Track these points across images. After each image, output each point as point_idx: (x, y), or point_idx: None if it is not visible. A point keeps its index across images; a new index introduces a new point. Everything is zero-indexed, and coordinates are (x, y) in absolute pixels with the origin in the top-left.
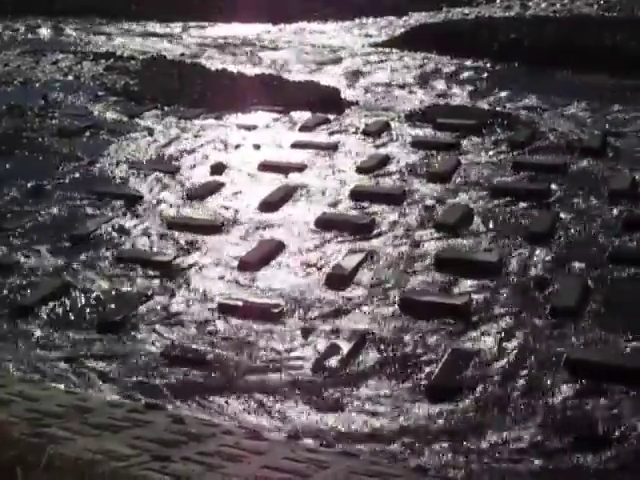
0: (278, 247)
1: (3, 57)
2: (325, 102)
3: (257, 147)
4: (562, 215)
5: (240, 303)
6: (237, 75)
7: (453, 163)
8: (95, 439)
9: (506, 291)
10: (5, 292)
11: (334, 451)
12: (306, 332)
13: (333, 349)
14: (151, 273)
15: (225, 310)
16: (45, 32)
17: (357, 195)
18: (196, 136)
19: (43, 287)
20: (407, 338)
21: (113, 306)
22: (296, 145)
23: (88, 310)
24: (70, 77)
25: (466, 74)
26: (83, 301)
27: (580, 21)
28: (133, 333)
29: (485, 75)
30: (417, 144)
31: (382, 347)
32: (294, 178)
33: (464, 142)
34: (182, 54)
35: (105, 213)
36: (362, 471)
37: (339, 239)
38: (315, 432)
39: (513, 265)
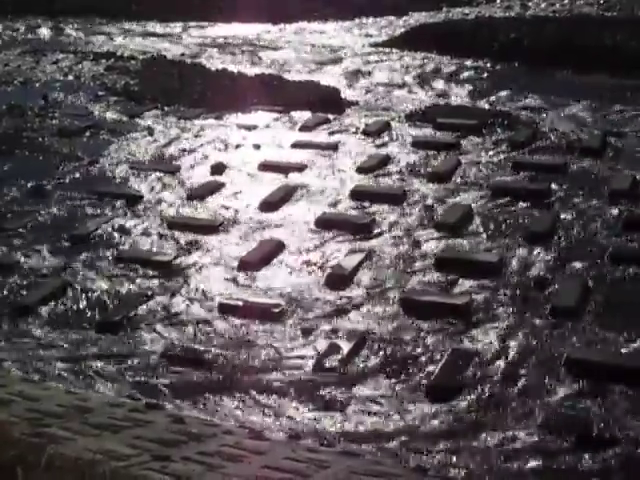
0: (278, 247)
1: (3, 57)
2: (325, 102)
3: (257, 147)
4: (562, 215)
5: (240, 303)
6: (237, 75)
7: (453, 163)
8: (95, 439)
9: (506, 291)
10: (5, 292)
11: (334, 451)
12: (306, 332)
13: (333, 349)
14: (151, 273)
15: (225, 310)
16: (45, 32)
17: (357, 195)
18: (196, 136)
19: (43, 287)
20: (407, 338)
21: (113, 306)
22: (296, 145)
23: (88, 310)
24: (70, 77)
25: (466, 74)
26: (83, 301)
27: (580, 21)
28: (133, 333)
29: (485, 75)
30: (417, 144)
31: (382, 347)
32: (294, 178)
33: (464, 142)
34: (182, 54)
35: (105, 213)
36: (362, 471)
37: (339, 239)
38: (315, 432)
39: (513, 265)
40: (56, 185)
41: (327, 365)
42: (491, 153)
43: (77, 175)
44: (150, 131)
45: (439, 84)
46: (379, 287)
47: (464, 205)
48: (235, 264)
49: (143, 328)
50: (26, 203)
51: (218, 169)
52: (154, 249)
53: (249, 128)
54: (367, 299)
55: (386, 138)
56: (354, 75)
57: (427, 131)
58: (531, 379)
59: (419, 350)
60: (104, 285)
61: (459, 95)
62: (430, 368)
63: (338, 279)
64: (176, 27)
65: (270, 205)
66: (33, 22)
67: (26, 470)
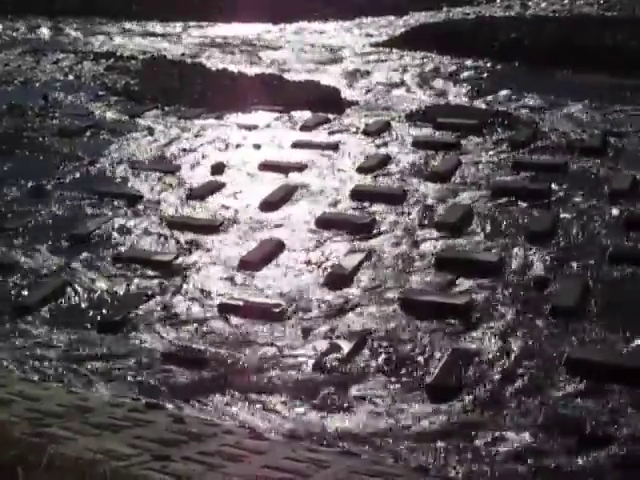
0: (278, 247)
1: (3, 57)
2: (325, 102)
3: (257, 147)
4: (562, 215)
5: (240, 303)
6: (237, 75)
7: (453, 163)
8: (96, 439)
9: (506, 291)
10: (5, 292)
11: (334, 451)
12: (306, 332)
13: (333, 349)
14: (151, 273)
15: (225, 310)
16: (45, 32)
17: (357, 195)
18: (196, 136)
19: (43, 287)
20: (407, 338)
21: (113, 306)
22: (296, 145)
23: (88, 310)
24: (70, 77)
25: (466, 74)
26: (83, 301)
27: (580, 21)
28: (133, 333)
29: (485, 75)
30: (417, 144)
31: (382, 347)
32: (294, 178)
33: (464, 142)
34: (182, 54)
35: (105, 213)
36: (363, 471)
37: (339, 239)
38: (315, 432)
39: (513, 265)
40: (56, 185)
41: (327, 365)
42: (491, 153)
43: (77, 175)
44: (150, 131)
45: (439, 84)
46: (379, 287)
47: (464, 205)
48: (235, 264)
49: (143, 328)
50: (26, 203)
51: (218, 169)
52: (154, 249)
53: (249, 128)
54: (367, 299)
55: (386, 138)
56: (354, 75)
57: (427, 131)
58: (531, 379)
59: (419, 350)
60: (104, 285)
61: (459, 95)
62: (430, 368)
63: (338, 279)
64: (176, 27)
65: (270, 205)
66: (33, 22)
67: (27, 470)
